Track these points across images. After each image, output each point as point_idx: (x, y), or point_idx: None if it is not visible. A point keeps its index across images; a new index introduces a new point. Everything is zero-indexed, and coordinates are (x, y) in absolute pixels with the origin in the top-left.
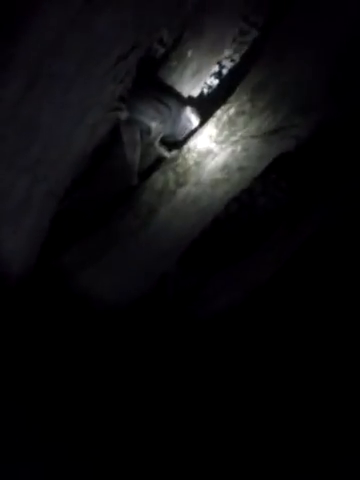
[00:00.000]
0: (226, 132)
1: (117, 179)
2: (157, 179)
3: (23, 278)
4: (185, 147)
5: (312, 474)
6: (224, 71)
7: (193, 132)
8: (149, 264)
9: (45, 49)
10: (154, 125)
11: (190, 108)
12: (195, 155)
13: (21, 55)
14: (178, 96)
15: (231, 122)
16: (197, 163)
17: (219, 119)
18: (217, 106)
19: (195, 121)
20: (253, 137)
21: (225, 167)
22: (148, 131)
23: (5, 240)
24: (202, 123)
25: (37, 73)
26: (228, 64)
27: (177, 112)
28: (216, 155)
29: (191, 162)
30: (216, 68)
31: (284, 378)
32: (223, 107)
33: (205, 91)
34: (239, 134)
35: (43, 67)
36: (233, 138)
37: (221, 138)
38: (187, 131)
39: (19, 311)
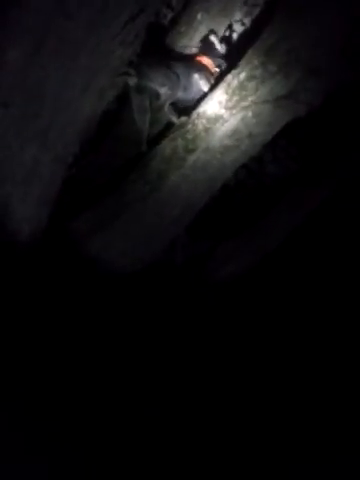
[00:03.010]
0: (236, 97)
1: (126, 145)
2: (166, 145)
3: (34, 244)
4: (194, 113)
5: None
6: (234, 35)
7: (203, 97)
8: (158, 230)
9: (52, 11)
10: (163, 91)
11: (201, 72)
12: (205, 121)
13: (27, 17)
14: (188, 61)
15: (242, 87)
16: (206, 129)
17: (229, 84)
18: (228, 71)
19: (205, 86)
20: (264, 102)
21: (235, 133)
22: (157, 97)
23: (14, 207)
24: (212, 88)
25: (44, 36)
26: (239, 28)
27: (187, 77)
28: (226, 121)
29: (200, 128)
30: (227, 32)
31: (289, 350)
32: (233, 72)
33: None
34: (250, 99)
35: (50, 30)
36: (243, 103)
37: (231, 104)
38: (198, 96)
39: (29, 277)
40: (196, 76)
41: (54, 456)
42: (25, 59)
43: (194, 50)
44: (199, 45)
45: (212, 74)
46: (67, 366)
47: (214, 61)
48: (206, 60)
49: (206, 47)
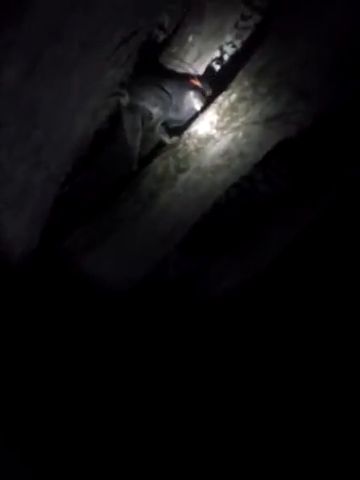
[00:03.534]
0: (227, 118)
1: (118, 164)
2: (158, 164)
3: (25, 262)
4: (186, 133)
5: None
6: (225, 57)
7: (194, 117)
8: (150, 248)
9: (46, 32)
10: (155, 111)
11: (193, 92)
12: (196, 141)
13: (22, 38)
14: (181, 80)
15: (232, 108)
16: (198, 149)
17: (220, 105)
18: (218, 92)
19: (198, 105)
20: (254, 123)
21: (226, 153)
22: (149, 117)
23: (7, 225)
24: (203, 109)
25: (38, 57)
26: (230, 50)
27: (180, 97)
28: (217, 141)
29: (192, 148)
30: (218, 53)
31: (282, 365)
32: (224, 93)
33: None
34: (240, 120)
35: (44, 51)
36: (234, 124)
37: (222, 124)
38: (190, 116)
39: (21, 294)
40: (191, 94)
41: (54, 460)
42: (19, 79)
43: (187, 70)
44: (191, 66)
45: (205, 94)
46: (64, 381)
47: (206, 82)
48: (199, 80)
49: (198, 68)
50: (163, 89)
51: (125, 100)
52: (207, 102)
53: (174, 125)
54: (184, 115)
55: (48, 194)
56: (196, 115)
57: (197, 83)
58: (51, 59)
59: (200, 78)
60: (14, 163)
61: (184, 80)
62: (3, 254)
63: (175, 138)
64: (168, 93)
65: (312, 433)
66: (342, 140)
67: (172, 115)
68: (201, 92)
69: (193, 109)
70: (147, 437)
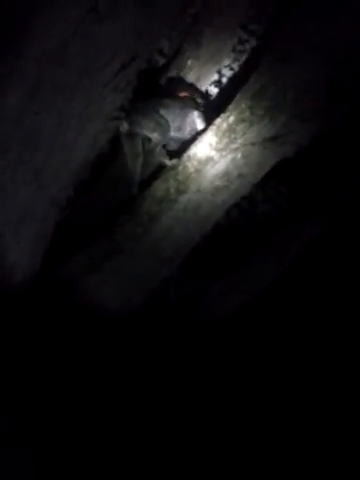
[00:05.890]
0: (226, 140)
1: (119, 188)
2: (158, 187)
3: (26, 286)
4: (185, 155)
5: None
6: (224, 80)
7: (195, 138)
8: (151, 271)
9: (47, 58)
10: (154, 136)
11: (197, 113)
12: (195, 163)
13: (23, 65)
14: (184, 101)
15: (231, 130)
16: (197, 171)
17: (219, 127)
18: (217, 114)
19: (200, 125)
20: (253, 144)
21: (225, 174)
22: (149, 141)
23: (8, 249)
24: (202, 131)
25: (39, 83)
26: (227, 73)
27: (182, 117)
28: (216, 162)
29: (192, 170)
30: (216, 77)
31: (285, 382)
32: (223, 115)
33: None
34: (239, 141)
35: (45, 77)
36: (233, 145)
37: (221, 145)
38: (191, 135)
39: (22, 319)
40: (195, 114)
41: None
42: (20, 105)
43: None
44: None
45: (206, 115)
46: (65, 408)
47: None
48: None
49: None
50: (161, 115)
51: (124, 128)
52: (206, 124)
53: (176, 146)
54: (186, 135)
55: (49, 217)
56: (197, 136)
57: (199, 100)
58: (51, 85)
59: (201, 98)
60: (16, 187)
61: (187, 101)
62: (4, 279)
63: (175, 160)
64: (166, 119)
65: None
66: (339, 159)
67: (175, 134)
68: (203, 112)
69: (195, 129)
70: (147, 442)
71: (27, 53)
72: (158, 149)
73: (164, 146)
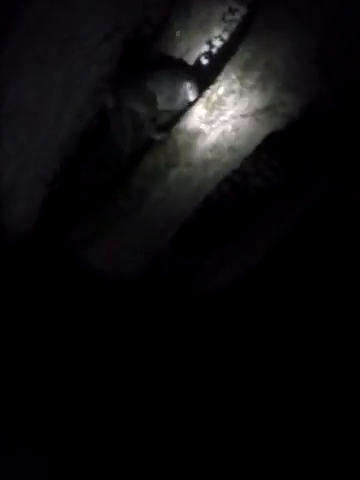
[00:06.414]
0: (216, 112)
1: (107, 164)
2: (148, 161)
3: (14, 265)
4: (175, 128)
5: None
6: (214, 51)
7: (185, 111)
8: (143, 245)
9: (27, 31)
10: (142, 110)
11: (189, 83)
12: (185, 136)
13: (2, 39)
14: (174, 72)
15: (220, 102)
16: (187, 144)
17: (208, 99)
18: (206, 86)
19: (192, 96)
20: (243, 116)
21: (216, 147)
22: (137, 115)
23: None
24: (192, 103)
25: (21, 57)
26: (218, 43)
27: (174, 87)
28: (206, 135)
29: (181, 143)
30: (206, 48)
31: (281, 359)
32: (212, 87)
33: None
34: (229, 113)
35: (25, 50)
36: (223, 118)
37: (211, 118)
38: (184, 106)
39: (12, 298)
40: (187, 85)
41: (54, 457)
42: (2, 79)
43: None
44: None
45: (198, 85)
46: (64, 370)
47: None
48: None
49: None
50: (149, 88)
51: (111, 102)
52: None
53: (165, 119)
54: (177, 106)
55: (36, 194)
56: (187, 108)
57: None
58: (33, 57)
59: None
60: (1, 163)
61: (177, 71)
62: None
63: (164, 134)
64: (154, 92)
65: (306, 427)
66: (332, 132)
67: (165, 106)
68: (196, 83)
69: (187, 100)
70: (143, 433)
71: (5, 27)
72: (147, 123)
73: (153, 120)
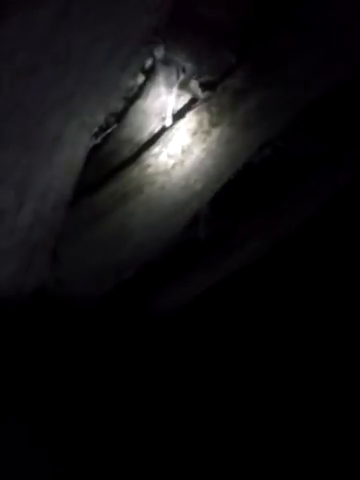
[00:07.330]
0: (261, 74)
1: (151, 118)
2: (191, 119)
3: (59, 212)
4: (220, 87)
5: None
6: None
7: (229, 71)
8: (182, 204)
9: None
10: (189, 66)
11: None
12: (230, 95)
13: None
14: (216, 33)
15: (268, 64)
16: (231, 103)
17: (257, 58)
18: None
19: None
20: (285, 82)
21: (260, 108)
22: (183, 70)
23: (40, 172)
24: (238, 61)
25: (69, 2)
26: None
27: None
28: (251, 96)
29: (225, 102)
30: None
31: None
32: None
33: None
34: (274, 75)
35: None
36: (266, 80)
37: (256, 78)
38: (226, 68)
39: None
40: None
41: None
42: (52, 23)
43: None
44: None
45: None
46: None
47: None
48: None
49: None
50: (198, 44)
51: (160, 53)
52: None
53: (210, 77)
54: (222, 66)
55: (81, 142)
56: (230, 69)
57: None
58: (83, 4)
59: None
60: (46, 111)
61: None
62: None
63: (209, 92)
64: (202, 48)
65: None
66: None
67: (209, 67)
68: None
69: (230, 60)
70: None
71: None
72: (192, 80)
73: (198, 77)
